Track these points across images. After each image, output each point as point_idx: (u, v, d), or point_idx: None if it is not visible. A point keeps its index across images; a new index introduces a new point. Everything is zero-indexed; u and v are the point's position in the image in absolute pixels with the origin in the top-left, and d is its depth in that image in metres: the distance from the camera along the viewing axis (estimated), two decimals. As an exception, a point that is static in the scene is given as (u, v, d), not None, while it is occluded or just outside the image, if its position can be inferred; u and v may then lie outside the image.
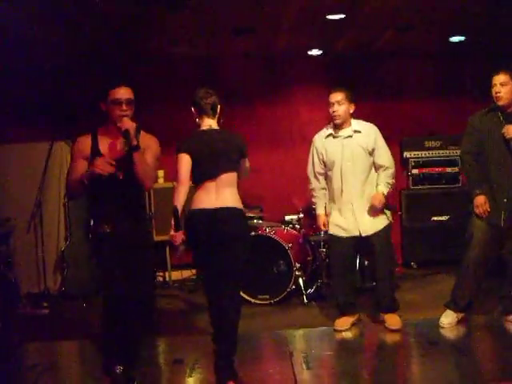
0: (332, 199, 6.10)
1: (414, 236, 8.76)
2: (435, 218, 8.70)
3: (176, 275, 8.75)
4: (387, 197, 5.96)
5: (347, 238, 5.95)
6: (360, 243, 6.04)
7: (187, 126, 8.45)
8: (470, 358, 5.28)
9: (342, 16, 6.79)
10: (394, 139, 8.96)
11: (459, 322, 5.98)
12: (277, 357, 5.60)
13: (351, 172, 5.92)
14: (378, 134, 6.08)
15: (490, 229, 5.76)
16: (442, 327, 5.93)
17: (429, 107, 9.13)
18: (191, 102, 5.23)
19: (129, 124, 4.41)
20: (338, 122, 5.95)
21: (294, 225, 7.82)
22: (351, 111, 6.01)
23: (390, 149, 9.00)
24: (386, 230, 5.99)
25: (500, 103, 5.71)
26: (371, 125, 6.13)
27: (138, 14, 6.28)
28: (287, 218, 7.99)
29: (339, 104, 5.92)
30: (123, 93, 4.51)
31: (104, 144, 4.57)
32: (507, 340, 5.70)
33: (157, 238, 8.40)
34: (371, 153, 5.99)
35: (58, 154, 8.27)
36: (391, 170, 6.06)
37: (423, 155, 8.90)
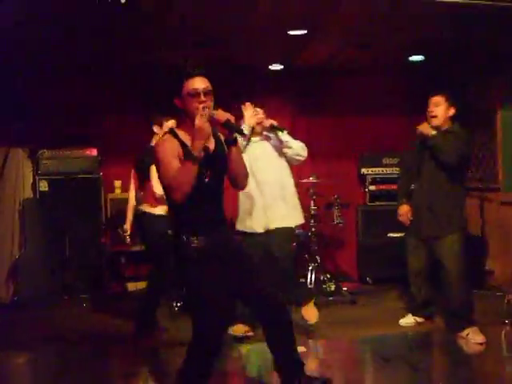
0: None
1: (370, 252, 8.80)
2: (391, 235, 8.74)
3: (131, 287, 8.65)
4: None
5: None
6: None
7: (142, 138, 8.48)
8: (422, 374, 5.28)
9: (304, 32, 6.80)
10: (353, 155, 9.05)
11: (419, 325, 6.41)
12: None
13: None
14: None
15: (414, 239, 6.28)
16: (400, 325, 6.35)
17: (387, 124, 9.21)
18: None
19: (225, 114, 4.08)
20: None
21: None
22: None
23: (349, 165, 9.14)
24: None
25: (433, 123, 6.06)
26: None
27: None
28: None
29: None
30: (200, 82, 4.12)
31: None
32: (460, 356, 5.77)
33: (112, 249, 8.35)
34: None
35: (14, 161, 8.16)
36: None
37: (381, 172, 8.97)
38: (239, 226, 6.19)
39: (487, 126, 8.59)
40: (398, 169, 8.79)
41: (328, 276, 8.02)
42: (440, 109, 6.06)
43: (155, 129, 6.50)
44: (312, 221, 7.69)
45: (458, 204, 6.15)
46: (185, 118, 4.13)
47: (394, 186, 8.84)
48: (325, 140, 9.13)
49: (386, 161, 9.01)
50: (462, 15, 6.12)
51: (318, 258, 7.75)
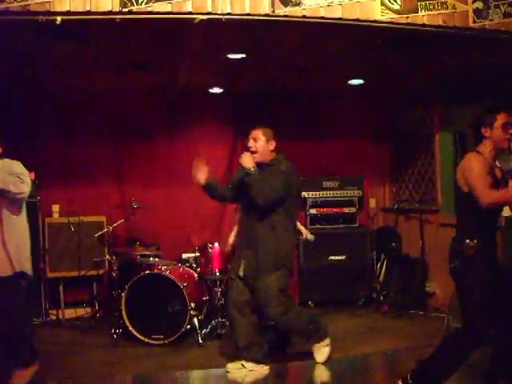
0: None
1: (312, 275, 8.77)
2: (332, 258, 8.76)
3: (69, 313, 8.49)
4: None
5: None
6: None
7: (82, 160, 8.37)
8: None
9: (243, 55, 6.80)
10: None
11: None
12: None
13: None
14: None
15: (234, 277, 6.02)
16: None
17: (327, 148, 9.26)
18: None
19: None
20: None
21: (190, 263, 7.72)
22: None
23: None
24: None
25: (254, 159, 5.91)
26: None
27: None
28: (184, 256, 7.88)
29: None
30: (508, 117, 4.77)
31: (493, 166, 4.82)
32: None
33: (50, 275, 8.19)
34: None
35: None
36: None
37: (321, 195, 8.99)
38: None
39: (426, 149, 8.72)
40: (338, 192, 8.86)
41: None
42: (259, 144, 5.97)
43: None
44: (253, 245, 7.63)
45: (275, 242, 5.85)
46: None
47: (335, 209, 8.94)
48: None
49: (325, 184, 9.03)
50: (397, 40, 6.20)
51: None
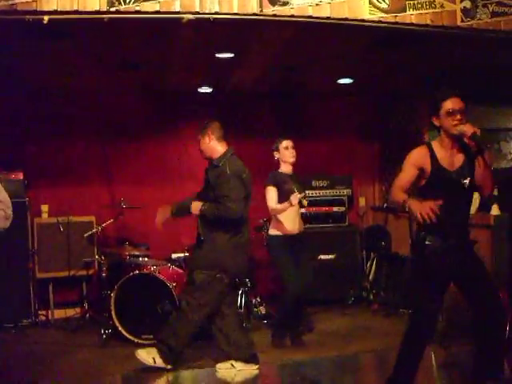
0: None
1: (301, 274, 8.76)
2: (322, 257, 8.77)
3: (59, 314, 8.47)
4: None
5: None
6: None
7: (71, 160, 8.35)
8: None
9: (231, 55, 6.80)
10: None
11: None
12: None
13: None
14: None
15: None
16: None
17: (316, 147, 9.26)
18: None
19: (473, 128, 4.47)
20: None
21: (180, 263, 7.71)
22: None
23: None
24: None
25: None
26: None
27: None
28: (174, 256, 7.89)
29: None
30: (456, 103, 4.61)
31: (441, 156, 4.64)
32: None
33: (40, 275, 8.17)
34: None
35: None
36: None
37: (310, 194, 8.98)
38: None
39: (415, 146, 8.70)
40: (327, 191, 8.85)
41: (259, 299, 7.99)
42: (200, 143, 6.05)
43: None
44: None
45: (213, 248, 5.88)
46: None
47: (325, 209, 8.94)
48: (254, 162, 9.10)
49: (315, 183, 9.03)
50: (385, 40, 6.21)
51: (248, 281, 7.69)
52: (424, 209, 4.27)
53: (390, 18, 5.55)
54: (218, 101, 9.03)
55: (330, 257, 8.81)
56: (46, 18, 4.97)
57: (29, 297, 8.13)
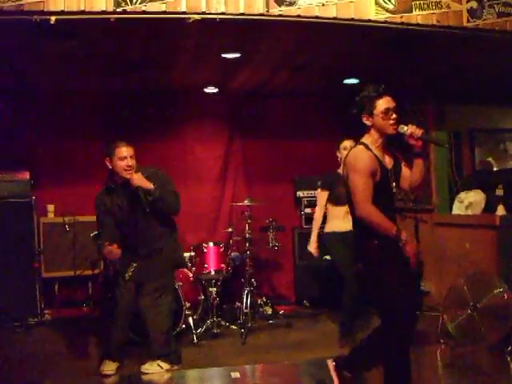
0: None
1: (307, 275, 8.78)
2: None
3: (65, 313, 8.46)
4: None
5: None
6: None
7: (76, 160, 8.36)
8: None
9: (238, 55, 6.80)
10: (288, 178, 9.06)
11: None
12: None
13: None
14: None
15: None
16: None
17: (322, 147, 9.23)
18: None
19: (419, 128, 4.42)
20: None
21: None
22: None
23: (285, 188, 9.14)
24: None
25: None
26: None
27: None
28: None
29: None
30: (390, 101, 4.49)
31: (379, 157, 4.43)
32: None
33: (46, 275, 8.19)
34: None
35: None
36: None
37: (316, 194, 8.96)
38: None
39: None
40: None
41: (264, 299, 7.99)
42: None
43: None
44: (247, 244, 7.63)
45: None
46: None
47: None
48: (260, 163, 9.14)
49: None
50: (390, 40, 6.20)
51: (254, 281, 7.70)
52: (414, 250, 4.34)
53: (396, 18, 5.55)
54: (224, 101, 9.03)
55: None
56: (53, 18, 4.98)
57: (35, 296, 8.16)
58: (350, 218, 6.30)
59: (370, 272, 4.46)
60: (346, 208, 6.63)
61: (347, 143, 6.74)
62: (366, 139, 4.50)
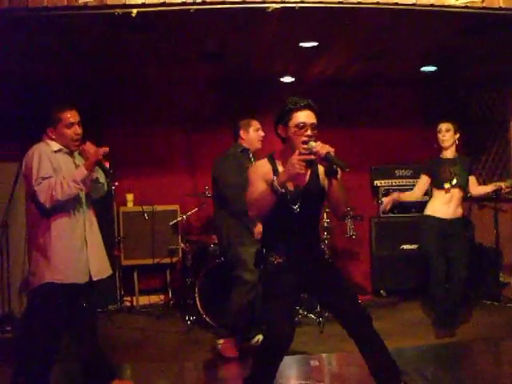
0: None
1: (384, 264, 8.75)
2: (404, 247, 8.69)
3: (143, 300, 8.67)
4: None
5: None
6: None
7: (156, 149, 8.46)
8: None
9: (315, 44, 6.78)
10: (366, 167, 9.00)
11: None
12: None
13: None
14: None
15: None
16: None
17: (400, 136, 9.15)
18: None
19: (326, 147, 4.10)
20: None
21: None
22: None
23: (362, 177, 9.07)
24: None
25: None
26: None
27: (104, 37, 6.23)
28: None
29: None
30: (308, 117, 4.24)
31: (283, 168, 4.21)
32: (473, 370, 5.66)
33: (125, 263, 8.35)
34: None
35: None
36: None
37: (393, 183, 8.91)
38: None
39: (500, 135, 8.56)
40: (410, 180, 8.70)
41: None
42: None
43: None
44: (325, 233, 7.62)
45: None
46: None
47: (408, 198, 8.83)
48: (338, 152, 9.05)
49: (398, 172, 8.96)
50: (471, 26, 6.07)
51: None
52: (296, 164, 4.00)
53: (477, 3, 5.41)
54: (300, 90, 8.99)
55: (412, 247, 8.70)
56: (134, 11, 5.07)
57: (114, 283, 8.35)
58: (454, 203, 6.24)
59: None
60: (455, 192, 6.60)
61: (441, 126, 6.80)
62: (281, 151, 4.34)
